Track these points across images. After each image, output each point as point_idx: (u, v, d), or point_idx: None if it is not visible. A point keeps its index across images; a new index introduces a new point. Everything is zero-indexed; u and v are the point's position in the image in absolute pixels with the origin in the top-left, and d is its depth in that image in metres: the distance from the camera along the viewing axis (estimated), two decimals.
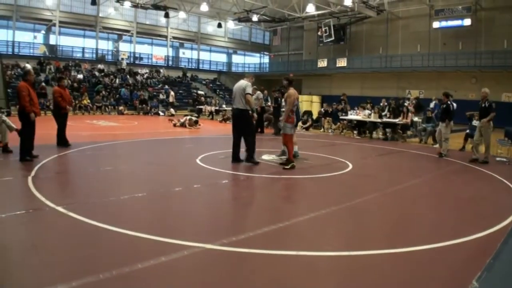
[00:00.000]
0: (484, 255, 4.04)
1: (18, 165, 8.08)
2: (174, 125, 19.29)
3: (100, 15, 37.37)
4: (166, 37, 42.49)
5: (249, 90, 9.02)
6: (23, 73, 9.33)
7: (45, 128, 11.95)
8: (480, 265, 3.77)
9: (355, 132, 17.79)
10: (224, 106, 27.98)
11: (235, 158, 9.28)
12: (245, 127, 9.15)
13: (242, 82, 9.14)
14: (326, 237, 4.77)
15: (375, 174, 9.26)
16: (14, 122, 9.54)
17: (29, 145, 8.60)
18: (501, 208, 6.27)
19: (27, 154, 8.49)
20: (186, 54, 45.33)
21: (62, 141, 10.75)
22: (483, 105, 10.88)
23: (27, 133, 8.55)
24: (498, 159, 11.70)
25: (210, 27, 44.96)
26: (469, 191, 7.75)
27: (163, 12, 35.41)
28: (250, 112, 9.09)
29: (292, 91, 9.03)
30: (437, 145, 13.30)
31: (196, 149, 12.03)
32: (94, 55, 37.39)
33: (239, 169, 8.67)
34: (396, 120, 16.20)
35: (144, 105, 29.65)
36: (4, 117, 9.80)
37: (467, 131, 13.77)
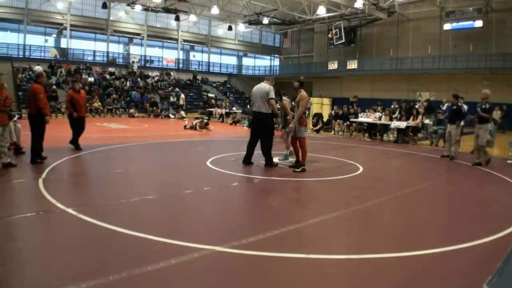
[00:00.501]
0: (495, 259, 4.01)
1: (29, 167, 8.17)
2: (185, 127, 19.36)
3: (111, 18, 37.71)
4: (176, 40, 42.64)
5: (273, 94, 8.93)
6: (35, 76, 9.26)
7: (57, 131, 12.08)
8: (490, 269, 3.73)
9: (365, 134, 17.72)
10: (234, 108, 27.98)
11: (247, 161, 9.29)
12: (266, 131, 9.09)
13: (264, 86, 9.01)
14: (336, 240, 4.77)
15: (386, 176, 9.23)
16: (24, 126, 9.59)
17: (39, 147, 8.69)
18: None
19: (37, 156, 8.59)
20: (197, 56, 45.45)
21: (74, 144, 10.80)
22: (483, 106, 10.73)
23: (37, 135, 8.64)
24: (509, 161, 11.57)
25: (220, 30, 45.06)
26: (479, 194, 7.69)
27: (173, 15, 35.45)
28: (273, 116, 9.09)
29: (304, 93, 8.97)
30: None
31: (206, 151, 12.06)
32: (105, 58, 37.62)
33: (250, 172, 8.70)
34: (405, 123, 16.11)
35: (154, 108, 29.86)
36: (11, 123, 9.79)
37: None
